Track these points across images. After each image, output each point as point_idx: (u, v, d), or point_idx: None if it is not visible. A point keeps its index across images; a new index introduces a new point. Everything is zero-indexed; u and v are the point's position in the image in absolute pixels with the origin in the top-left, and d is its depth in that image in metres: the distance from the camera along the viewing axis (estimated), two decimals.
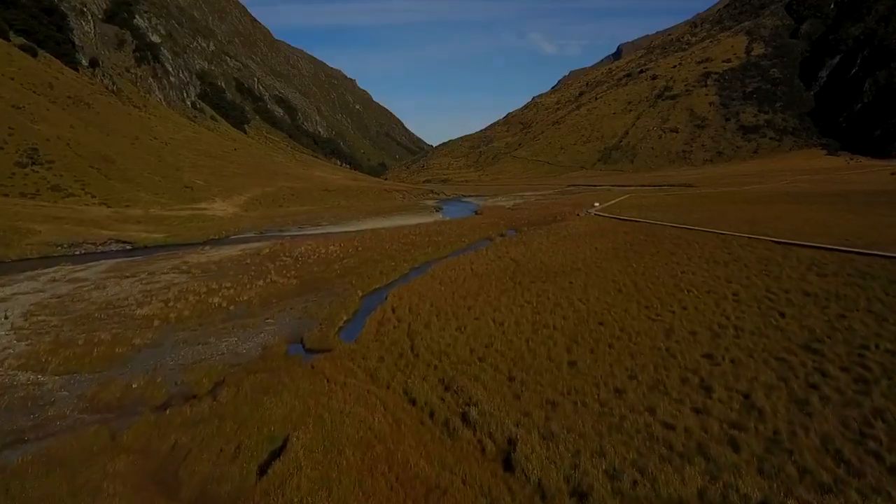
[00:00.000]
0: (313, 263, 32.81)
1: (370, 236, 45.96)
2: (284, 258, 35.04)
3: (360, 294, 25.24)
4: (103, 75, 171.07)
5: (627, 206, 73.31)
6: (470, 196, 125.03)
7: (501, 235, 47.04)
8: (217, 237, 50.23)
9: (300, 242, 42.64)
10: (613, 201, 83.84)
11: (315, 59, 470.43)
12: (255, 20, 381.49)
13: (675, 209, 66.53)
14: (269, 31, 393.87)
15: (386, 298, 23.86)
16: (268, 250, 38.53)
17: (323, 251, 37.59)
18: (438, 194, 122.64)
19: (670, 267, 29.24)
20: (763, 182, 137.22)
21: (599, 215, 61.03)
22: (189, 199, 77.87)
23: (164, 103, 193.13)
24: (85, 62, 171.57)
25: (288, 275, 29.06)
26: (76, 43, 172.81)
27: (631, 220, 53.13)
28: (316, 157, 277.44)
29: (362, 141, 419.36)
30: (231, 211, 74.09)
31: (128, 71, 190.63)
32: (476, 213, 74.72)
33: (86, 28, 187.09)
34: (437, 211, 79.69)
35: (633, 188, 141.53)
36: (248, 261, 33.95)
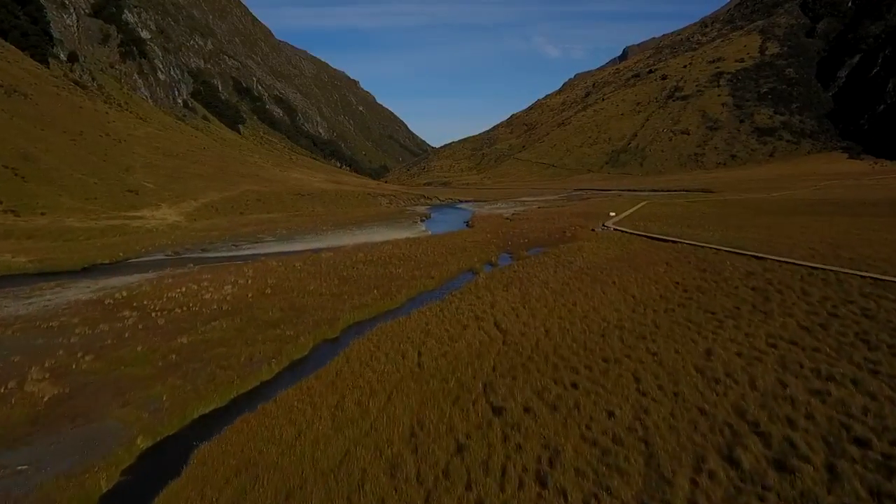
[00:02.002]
0: (151, 332, 18.74)
1: (304, 264, 31.96)
2: (127, 313, 21.06)
3: (116, 472, 11.01)
4: (82, 70, 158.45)
5: (650, 217, 58.99)
6: (466, 201, 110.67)
7: (491, 265, 32.94)
8: (108, 261, 36.35)
9: (196, 276, 28.74)
10: (631, 210, 69.54)
11: (318, 59, 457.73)
12: (257, 20, 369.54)
13: (713, 222, 52.19)
14: (270, 30, 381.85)
15: None
16: (125, 294, 24.56)
17: (206, 297, 23.61)
18: (431, 199, 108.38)
19: (789, 353, 15.09)
20: (791, 187, 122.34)
21: (620, 231, 46.81)
22: (128, 204, 64.31)
23: (150, 100, 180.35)
24: (63, 56, 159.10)
25: (41, 379, 14.92)
26: (55, 36, 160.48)
27: (667, 241, 38.87)
28: (315, 158, 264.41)
29: (364, 143, 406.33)
30: (172, 220, 60.42)
31: (112, 67, 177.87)
32: (467, 224, 60.55)
33: (67, 21, 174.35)
34: (421, 221, 65.60)
35: (647, 193, 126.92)
36: (55, 323, 19.94)
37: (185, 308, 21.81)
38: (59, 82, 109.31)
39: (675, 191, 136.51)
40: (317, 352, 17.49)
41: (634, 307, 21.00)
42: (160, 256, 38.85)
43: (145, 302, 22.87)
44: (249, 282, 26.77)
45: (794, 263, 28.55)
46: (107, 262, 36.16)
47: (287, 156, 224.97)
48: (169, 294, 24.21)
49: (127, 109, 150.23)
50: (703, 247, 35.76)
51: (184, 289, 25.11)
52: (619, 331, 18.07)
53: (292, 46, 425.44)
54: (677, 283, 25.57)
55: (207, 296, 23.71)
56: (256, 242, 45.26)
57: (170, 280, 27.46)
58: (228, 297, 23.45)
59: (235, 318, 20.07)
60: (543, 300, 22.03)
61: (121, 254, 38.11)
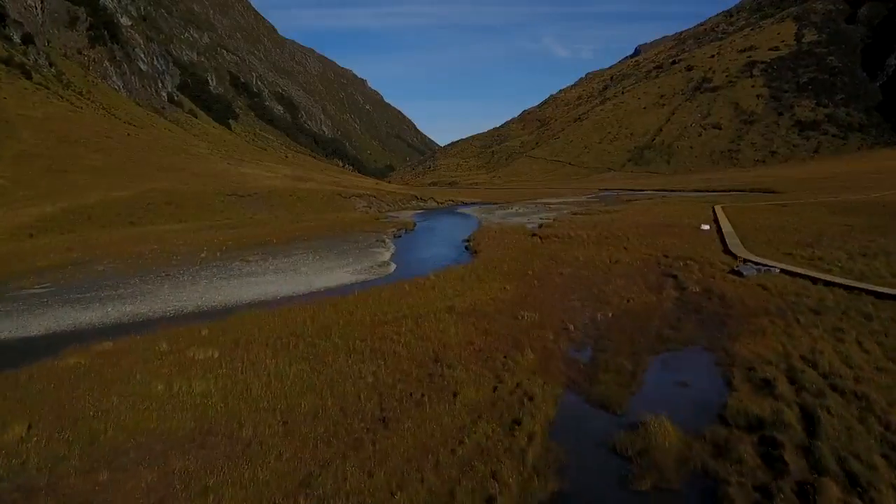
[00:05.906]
0: None
1: None
2: None
3: None
4: (38, 54, 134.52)
5: (779, 235, 31.49)
6: (472, 203, 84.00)
7: None
8: None
9: None
10: (725, 222, 42.22)
11: (325, 58, 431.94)
12: (260, 16, 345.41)
13: None
14: (274, 27, 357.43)
15: None
16: None
17: None
18: (426, 201, 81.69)
19: None
20: (876, 187, 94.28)
21: (804, 277, 20.07)
22: None
23: (122, 90, 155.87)
24: (17, 38, 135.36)
25: None
26: (11, 16, 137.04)
27: None
28: (315, 157, 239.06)
29: (371, 142, 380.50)
30: None
31: (79, 52, 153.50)
32: (467, 247, 33.81)
33: (29, 1, 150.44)
34: (394, 238, 39.05)
35: (692, 194, 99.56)
36: None
37: None
38: None
39: (723, 191, 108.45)
40: None
41: None
42: None
43: None
44: None
45: None
46: None
47: (282, 153, 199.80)
48: None
49: (88, 98, 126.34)
50: None
51: None
52: None
53: (297, 44, 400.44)
54: None
55: None
56: (12, 296, 19.36)
57: None
58: None
59: None
60: None
61: None
